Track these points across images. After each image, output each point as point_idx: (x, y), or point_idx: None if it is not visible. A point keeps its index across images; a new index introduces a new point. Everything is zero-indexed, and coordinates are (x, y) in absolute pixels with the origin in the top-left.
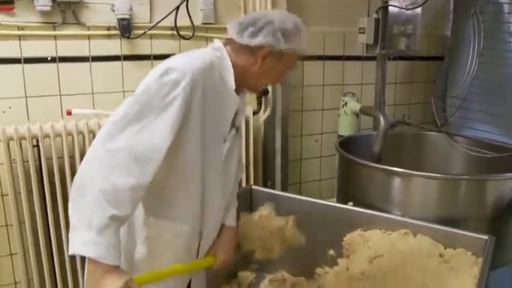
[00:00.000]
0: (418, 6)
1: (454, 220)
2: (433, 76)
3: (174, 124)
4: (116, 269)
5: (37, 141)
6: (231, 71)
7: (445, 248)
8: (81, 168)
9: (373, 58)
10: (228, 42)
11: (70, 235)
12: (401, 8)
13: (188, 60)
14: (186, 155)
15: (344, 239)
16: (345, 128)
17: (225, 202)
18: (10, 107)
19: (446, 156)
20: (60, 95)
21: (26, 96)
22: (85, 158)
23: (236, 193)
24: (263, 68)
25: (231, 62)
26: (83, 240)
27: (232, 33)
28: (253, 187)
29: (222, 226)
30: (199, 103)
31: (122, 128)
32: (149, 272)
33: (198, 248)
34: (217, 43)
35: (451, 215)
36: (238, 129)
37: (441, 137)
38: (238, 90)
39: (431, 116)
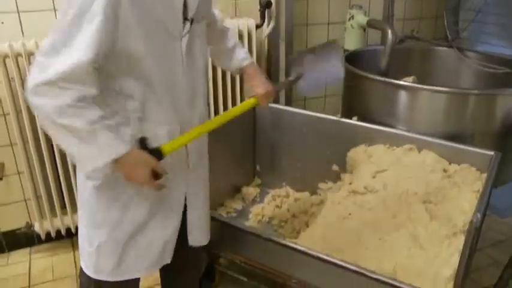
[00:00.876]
0: None
1: (461, 136)
2: None
3: (99, 36)
4: (133, 154)
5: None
6: None
7: (450, 164)
8: (35, 105)
9: None
10: None
11: (80, 163)
12: None
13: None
14: (131, 62)
15: (348, 154)
16: (352, 42)
17: (200, 93)
18: (2, 23)
19: (456, 72)
20: (55, 9)
21: (18, 11)
22: (28, 90)
23: (231, 46)
24: None
25: None
26: (87, 156)
27: None
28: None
29: (242, 69)
30: (129, 7)
31: (49, 57)
32: (176, 139)
33: (186, 149)
34: None
35: (457, 131)
36: (192, 22)
37: (451, 53)
38: None
39: (441, 31)
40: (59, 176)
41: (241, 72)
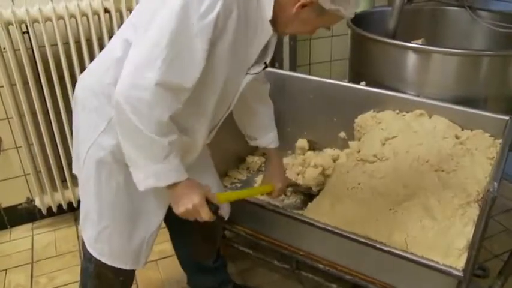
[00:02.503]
0: None
1: (473, 100)
2: None
3: (207, 47)
4: (190, 183)
5: (26, 27)
6: (272, 2)
7: (462, 130)
8: (121, 109)
9: None
10: None
11: (135, 172)
12: None
13: None
14: (210, 80)
15: (355, 120)
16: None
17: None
18: None
19: (467, 33)
20: None
21: None
22: (120, 93)
23: (270, 122)
24: (297, 16)
25: None
26: (154, 173)
27: None
28: None
29: (268, 151)
30: (234, 25)
31: (151, 61)
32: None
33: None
34: None
35: (470, 95)
36: (265, 67)
37: (463, 12)
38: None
39: None
40: (58, 150)
41: (265, 151)
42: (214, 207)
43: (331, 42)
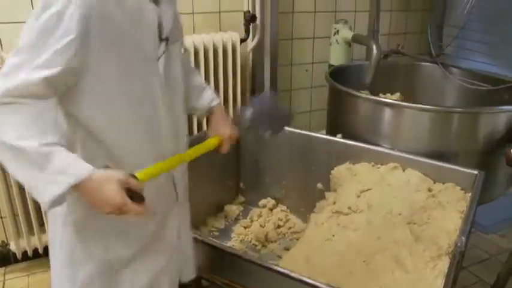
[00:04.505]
0: None
1: (445, 154)
2: (431, 4)
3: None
4: (97, 175)
5: None
6: None
7: (434, 183)
8: None
9: None
10: None
11: (34, 192)
12: None
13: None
14: (103, 90)
15: (332, 172)
16: (337, 57)
17: (180, 123)
18: None
19: (440, 88)
20: None
21: None
22: None
23: (200, 83)
24: None
25: None
26: (44, 183)
27: None
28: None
29: (210, 110)
30: (100, 25)
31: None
32: (151, 166)
33: (174, 181)
34: None
35: (442, 149)
36: (167, 42)
37: (436, 68)
38: None
39: (426, 47)
40: None
41: (209, 113)
42: (138, 198)
43: (310, 93)
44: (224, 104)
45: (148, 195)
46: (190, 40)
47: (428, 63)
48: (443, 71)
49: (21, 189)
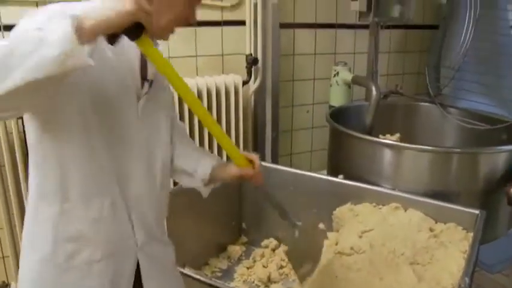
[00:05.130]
0: None
1: (446, 194)
2: (427, 45)
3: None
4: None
5: None
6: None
7: (436, 223)
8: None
9: (366, 26)
10: None
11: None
12: None
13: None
14: (78, 116)
15: (334, 212)
16: (337, 99)
17: (158, 165)
18: None
19: (439, 127)
20: None
21: None
22: None
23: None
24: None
25: None
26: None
27: None
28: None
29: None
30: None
31: None
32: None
33: (132, 223)
34: None
35: (442, 189)
36: (151, 84)
37: (434, 108)
38: None
39: (424, 87)
40: None
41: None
42: None
43: (311, 134)
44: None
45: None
46: (193, 82)
47: (426, 104)
48: (441, 111)
49: None
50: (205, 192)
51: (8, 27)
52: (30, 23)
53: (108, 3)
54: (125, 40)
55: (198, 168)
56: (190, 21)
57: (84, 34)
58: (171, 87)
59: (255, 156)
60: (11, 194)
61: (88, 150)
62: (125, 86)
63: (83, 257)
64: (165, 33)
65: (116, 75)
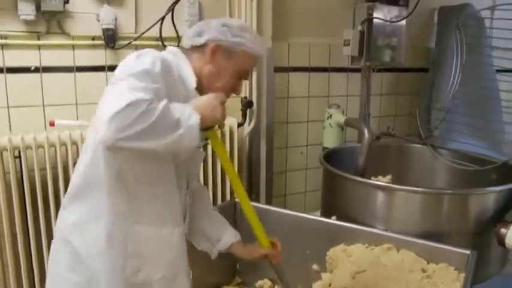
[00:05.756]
0: (403, 19)
1: (437, 234)
2: (418, 88)
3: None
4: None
5: (19, 152)
6: (190, 69)
7: (428, 263)
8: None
9: (358, 70)
10: (183, 50)
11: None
12: (386, 21)
13: (154, 50)
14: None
15: (327, 253)
16: (330, 140)
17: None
18: None
19: (430, 168)
20: (44, 105)
21: (8, 107)
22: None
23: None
24: (215, 67)
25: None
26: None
27: (186, 41)
28: (237, 200)
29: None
30: (170, 88)
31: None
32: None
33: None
34: (172, 47)
35: (434, 230)
36: (202, 143)
37: (425, 149)
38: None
39: (416, 128)
40: (33, 274)
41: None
42: None
43: (305, 175)
44: (221, 186)
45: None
46: None
47: (418, 145)
48: (432, 152)
49: (18, 269)
50: (215, 255)
51: (11, 70)
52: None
53: (205, 106)
54: (188, 93)
55: (221, 240)
56: (236, 92)
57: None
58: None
59: (276, 239)
60: (5, 232)
61: (170, 186)
62: None
63: (147, 272)
64: None
65: None
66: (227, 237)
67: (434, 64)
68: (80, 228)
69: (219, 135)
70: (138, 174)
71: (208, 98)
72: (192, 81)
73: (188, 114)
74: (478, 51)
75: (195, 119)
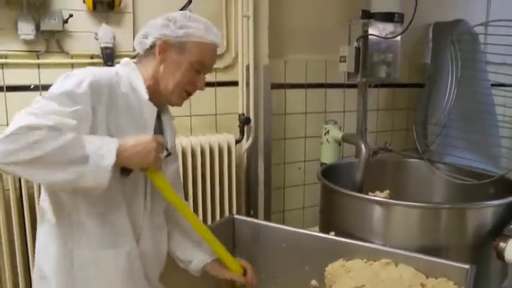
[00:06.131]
0: (397, 35)
1: (436, 249)
2: (415, 103)
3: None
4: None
5: None
6: (141, 79)
7: (427, 278)
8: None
9: (355, 85)
10: (138, 59)
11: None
12: (381, 37)
13: (91, 69)
14: None
15: (326, 269)
16: (328, 156)
17: (161, 222)
18: None
19: (428, 182)
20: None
21: (7, 124)
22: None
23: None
24: (168, 65)
25: (140, 73)
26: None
27: (137, 48)
28: (235, 216)
29: (210, 265)
30: (106, 107)
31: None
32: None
33: (146, 272)
34: (125, 59)
35: (432, 244)
36: (168, 155)
37: (423, 164)
38: (157, 104)
39: (413, 143)
40: None
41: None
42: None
43: (303, 190)
44: (220, 202)
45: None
46: (187, 141)
47: (415, 160)
48: (429, 167)
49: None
50: (197, 274)
51: (11, 88)
52: (67, 101)
53: (134, 148)
54: (142, 105)
55: (193, 261)
56: (198, 87)
57: (115, 165)
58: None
59: (249, 266)
60: (3, 248)
61: (114, 206)
62: None
63: None
64: (175, 98)
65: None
66: (198, 259)
67: (430, 79)
68: (42, 250)
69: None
70: (75, 194)
71: (144, 140)
72: (143, 93)
73: (102, 153)
74: (472, 66)
75: (108, 160)
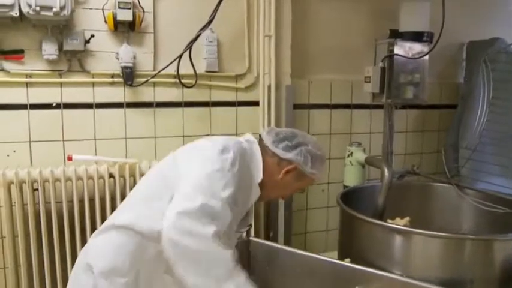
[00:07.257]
0: (424, 55)
1: (459, 282)
2: (446, 125)
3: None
4: None
5: (38, 185)
6: (261, 164)
7: None
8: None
9: (381, 106)
10: (260, 143)
11: None
12: (407, 58)
13: (233, 140)
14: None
15: None
16: (351, 179)
17: None
18: (14, 151)
19: (455, 209)
20: (64, 140)
21: (30, 141)
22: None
23: None
24: (282, 181)
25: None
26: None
27: (267, 140)
28: (251, 239)
29: None
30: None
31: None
32: None
33: None
34: (250, 136)
35: (455, 276)
36: (249, 227)
37: (451, 189)
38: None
39: (443, 167)
40: None
41: None
42: None
43: (327, 212)
44: None
45: None
46: None
47: (443, 184)
48: (458, 192)
49: None
50: None
51: (34, 106)
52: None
53: None
54: (252, 182)
55: None
56: (283, 198)
57: None
58: None
59: None
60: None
61: None
62: (241, 214)
63: None
64: (266, 199)
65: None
66: None
67: (463, 100)
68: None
69: None
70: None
71: None
72: (258, 177)
73: None
74: (506, 87)
75: None
